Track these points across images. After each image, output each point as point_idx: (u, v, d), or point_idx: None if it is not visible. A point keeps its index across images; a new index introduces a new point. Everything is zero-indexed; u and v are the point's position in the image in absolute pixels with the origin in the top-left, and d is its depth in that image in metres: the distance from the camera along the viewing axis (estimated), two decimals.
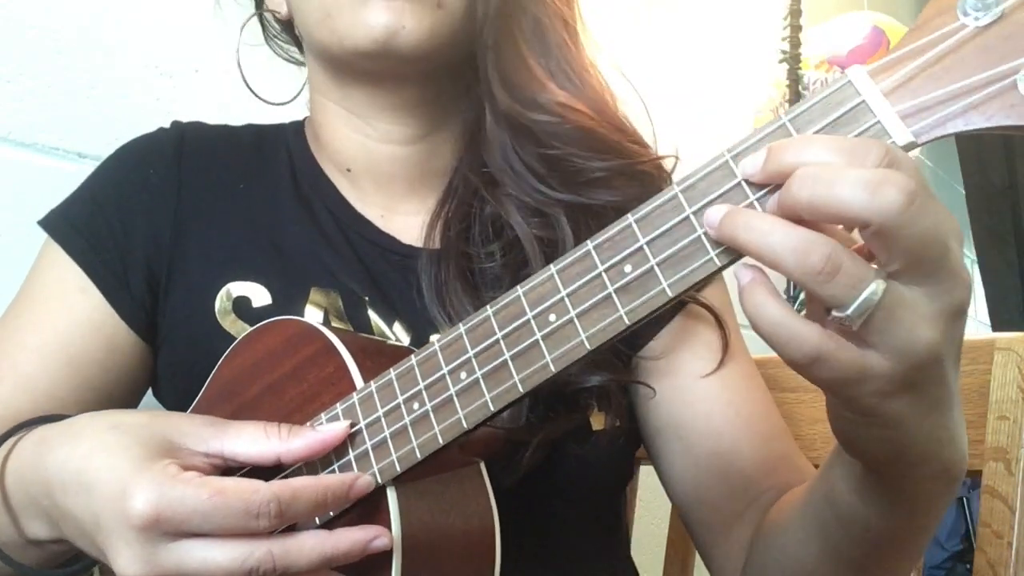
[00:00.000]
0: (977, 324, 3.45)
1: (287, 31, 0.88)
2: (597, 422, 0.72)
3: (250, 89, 0.86)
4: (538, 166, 0.73)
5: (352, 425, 0.57)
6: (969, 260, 3.40)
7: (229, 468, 0.56)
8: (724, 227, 0.42)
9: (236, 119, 0.88)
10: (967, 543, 2.60)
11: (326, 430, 0.56)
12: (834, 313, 0.40)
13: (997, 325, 2.95)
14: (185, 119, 0.86)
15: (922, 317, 0.40)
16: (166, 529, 0.49)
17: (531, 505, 0.68)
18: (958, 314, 0.41)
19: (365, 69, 0.76)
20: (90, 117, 1.04)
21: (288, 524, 0.52)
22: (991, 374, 0.80)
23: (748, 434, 0.73)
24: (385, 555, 0.53)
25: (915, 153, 0.45)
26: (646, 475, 0.81)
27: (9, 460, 0.59)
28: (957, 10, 0.41)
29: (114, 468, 0.51)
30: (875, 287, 0.39)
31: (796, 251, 0.39)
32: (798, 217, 0.40)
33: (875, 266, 0.40)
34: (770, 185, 0.42)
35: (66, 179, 1.00)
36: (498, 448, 0.61)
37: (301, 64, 0.89)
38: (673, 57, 1.80)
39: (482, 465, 0.60)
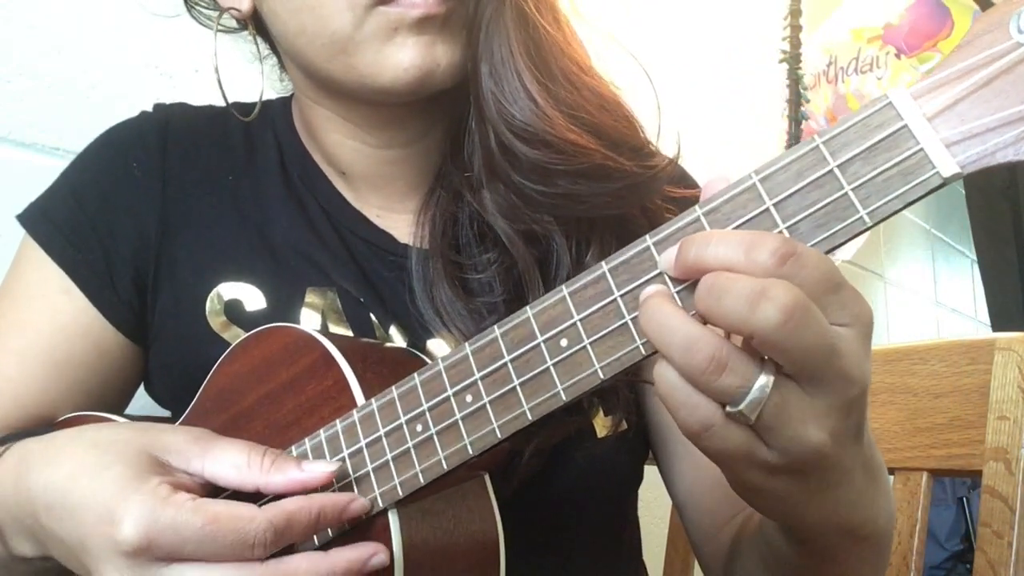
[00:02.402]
0: (977, 324, 3.44)
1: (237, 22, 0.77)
2: (603, 427, 0.71)
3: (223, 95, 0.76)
4: (523, 182, 0.66)
5: (342, 465, 0.54)
6: (969, 260, 3.40)
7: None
8: (640, 313, 0.42)
9: None
10: (967, 543, 2.59)
11: (310, 470, 0.53)
12: (727, 408, 0.40)
13: (997, 325, 2.94)
14: None
15: (811, 416, 0.40)
16: (157, 555, 0.48)
17: (535, 514, 0.66)
18: (851, 409, 0.41)
19: (380, 100, 0.70)
20: (90, 117, 1.04)
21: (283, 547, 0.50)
22: (991, 374, 0.80)
23: None
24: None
25: None
26: (647, 474, 0.80)
27: None
28: (1010, 26, 0.37)
29: (99, 491, 0.49)
30: (763, 383, 0.39)
31: (681, 348, 0.40)
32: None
33: (765, 359, 0.40)
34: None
35: None
36: (503, 459, 0.59)
37: (231, 31, 0.79)
38: (672, 57, 1.80)
39: (486, 477, 0.58)
